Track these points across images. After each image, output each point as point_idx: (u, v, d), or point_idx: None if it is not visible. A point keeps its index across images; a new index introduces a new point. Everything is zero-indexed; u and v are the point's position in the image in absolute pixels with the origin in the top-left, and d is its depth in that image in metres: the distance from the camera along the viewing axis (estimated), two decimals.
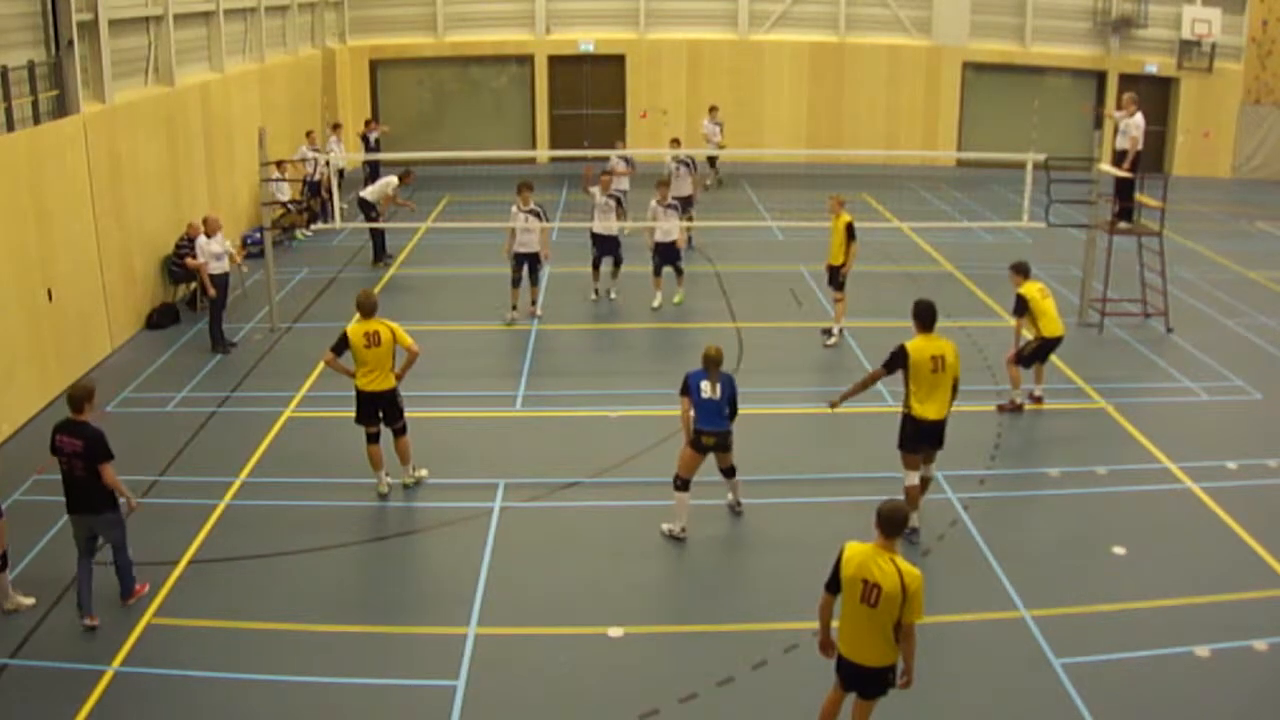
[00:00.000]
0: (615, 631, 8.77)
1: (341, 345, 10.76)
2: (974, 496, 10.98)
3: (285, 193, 19.90)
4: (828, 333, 15.62)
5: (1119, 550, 10.04)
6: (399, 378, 10.94)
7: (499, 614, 8.99)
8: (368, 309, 10.87)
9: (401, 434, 11.08)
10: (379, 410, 10.91)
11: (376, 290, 17.89)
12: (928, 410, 9.74)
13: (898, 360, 9.72)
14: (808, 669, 8.34)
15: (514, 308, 16.34)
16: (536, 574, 9.65)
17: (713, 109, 26.01)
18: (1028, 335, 13.28)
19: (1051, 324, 13.02)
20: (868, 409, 13.18)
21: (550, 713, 7.90)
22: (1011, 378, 13.17)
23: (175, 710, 7.86)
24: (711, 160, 25.95)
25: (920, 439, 9.89)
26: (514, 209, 16.05)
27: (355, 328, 10.79)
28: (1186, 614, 9.01)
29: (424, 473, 11.35)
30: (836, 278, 15.36)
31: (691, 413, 9.96)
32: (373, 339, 10.68)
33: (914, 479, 9.97)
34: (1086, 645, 8.54)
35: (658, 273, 16.83)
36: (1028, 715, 7.87)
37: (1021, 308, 13.06)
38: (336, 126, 24.16)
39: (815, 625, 8.71)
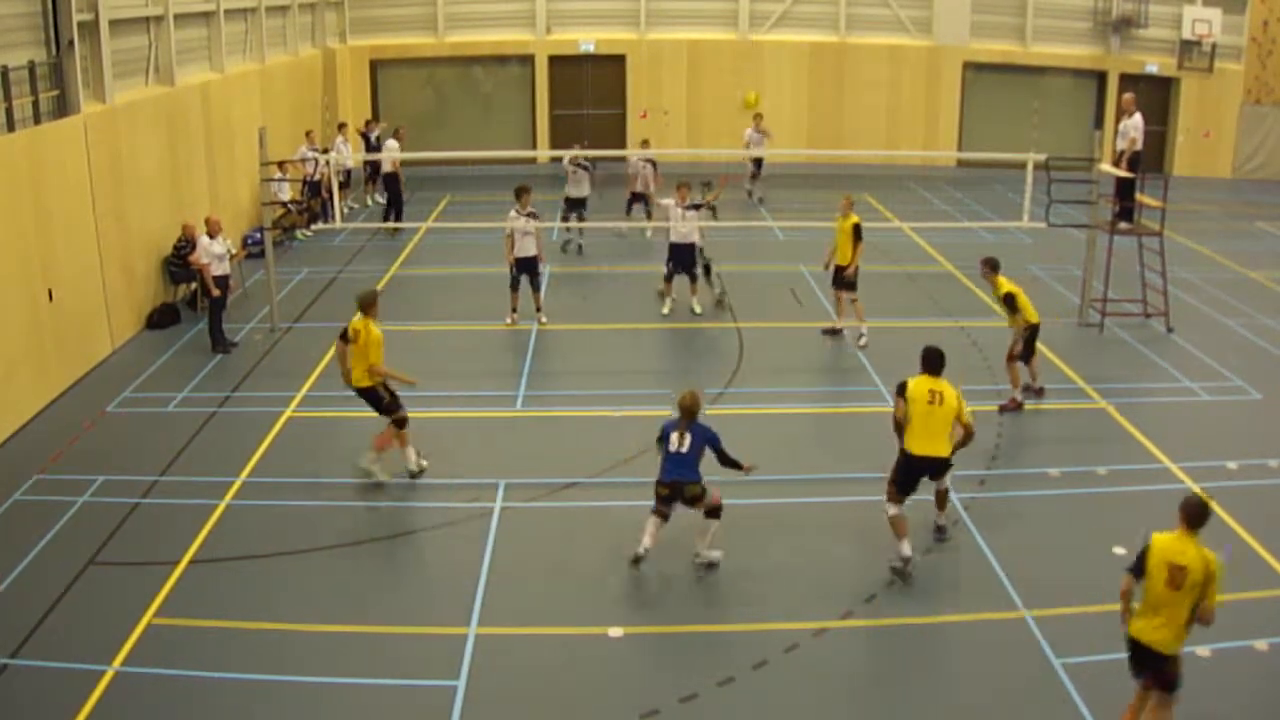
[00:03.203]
0: (615, 631, 8.78)
1: (344, 334, 11.10)
2: (974, 496, 10.98)
3: (286, 193, 19.92)
4: (831, 332, 15.62)
5: (1119, 550, 10.01)
6: (374, 375, 11.03)
7: (499, 614, 8.99)
8: (360, 304, 11.13)
9: (401, 426, 11.23)
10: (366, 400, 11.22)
11: (378, 288, 18.02)
12: (919, 446, 9.55)
13: (900, 389, 9.70)
14: (808, 669, 8.36)
15: (514, 309, 16.33)
16: (536, 574, 9.65)
17: (757, 117, 24.92)
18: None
19: (1033, 311, 13.08)
20: (868, 409, 13.20)
21: (550, 713, 7.90)
22: (1011, 377, 13.21)
23: (175, 710, 7.87)
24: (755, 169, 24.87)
25: (910, 474, 9.63)
26: (513, 213, 16.04)
27: (352, 321, 11.13)
28: None
29: (377, 469, 11.34)
30: (843, 279, 15.31)
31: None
32: (352, 335, 10.99)
33: (894, 509, 9.66)
34: (1086, 645, 8.53)
35: (670, 278, 16.59)
36: (1028, 715, 7.87)
37: (1014, 304, 12.99)
38: (342, 126, 24.27)
39: (816, 625, 8.76)
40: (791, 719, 7.81)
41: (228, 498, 10.93)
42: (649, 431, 12.36)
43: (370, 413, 13.03)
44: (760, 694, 8.04)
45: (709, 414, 12.96)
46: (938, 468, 9.72)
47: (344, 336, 11.09)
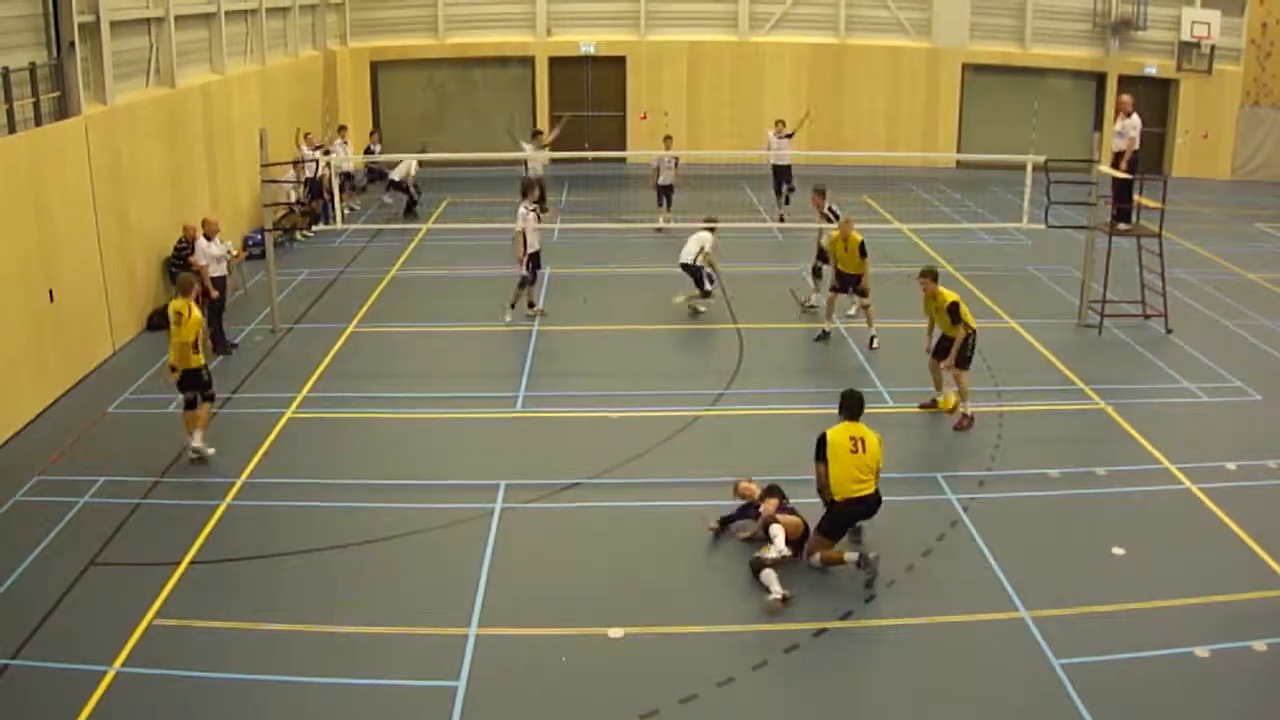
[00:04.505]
0: (615, 631, 8.78)
1: (162, 320, 11.72)
2: (974, 497, 10.99)
3: (293, 194, 19.95)
4: (823, 336, 15.62)
5: (1119, 550, 10.04)
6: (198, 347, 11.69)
7: (499, 614, 9.00)
8: (182, 288, 11.77)
9: (192, 406, 11.75)
10: (186, 384, 11.71)
11: (379, 289, 18.10)
12: (845, 491, 9.41)
13: (820, 447, 9.64)
14: (808, 669, 8.37)
15: (532, 305, 16.56)
16: (536, 574, 9.66)
17: (779, 123, 23.57)
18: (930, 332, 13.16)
19: (972, 318, 12.77)
20: (868, 409, 13.19)
21: (550, 713, 7.91)
22: (962, 386, 12.80)
23: (175, 710, 7.87)
24: (778, 183, 23.26)
25: (849, 520, 9.59)
26: (524, 209, 16.24)
27: (170, 304, 11.75)
28: (1186, 614, 9.01)
29: (211, 450, 11.77)
30: (856, 287, 15.23)
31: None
32: (177, 316, 11.51)
33: (818, 556, 9.58)
34: (1086, 645, 8.55)
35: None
36: (1028, 715, 7.87)
37: (958, 314, 12.59)
38: (342, 129, 24.41)
39: (816, 625, 8.77)
40: (791, 719, 7.82)
41: (228, 498, 10.93)
42: (649, 431, 12.46)
43: (369, 413, 13.10)
44: (760, 694, 8.05)
45: (710, 414, 13.02)
46: (871, 507, 9.56)
47: (175, 319, 11.49)
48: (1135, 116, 16.62)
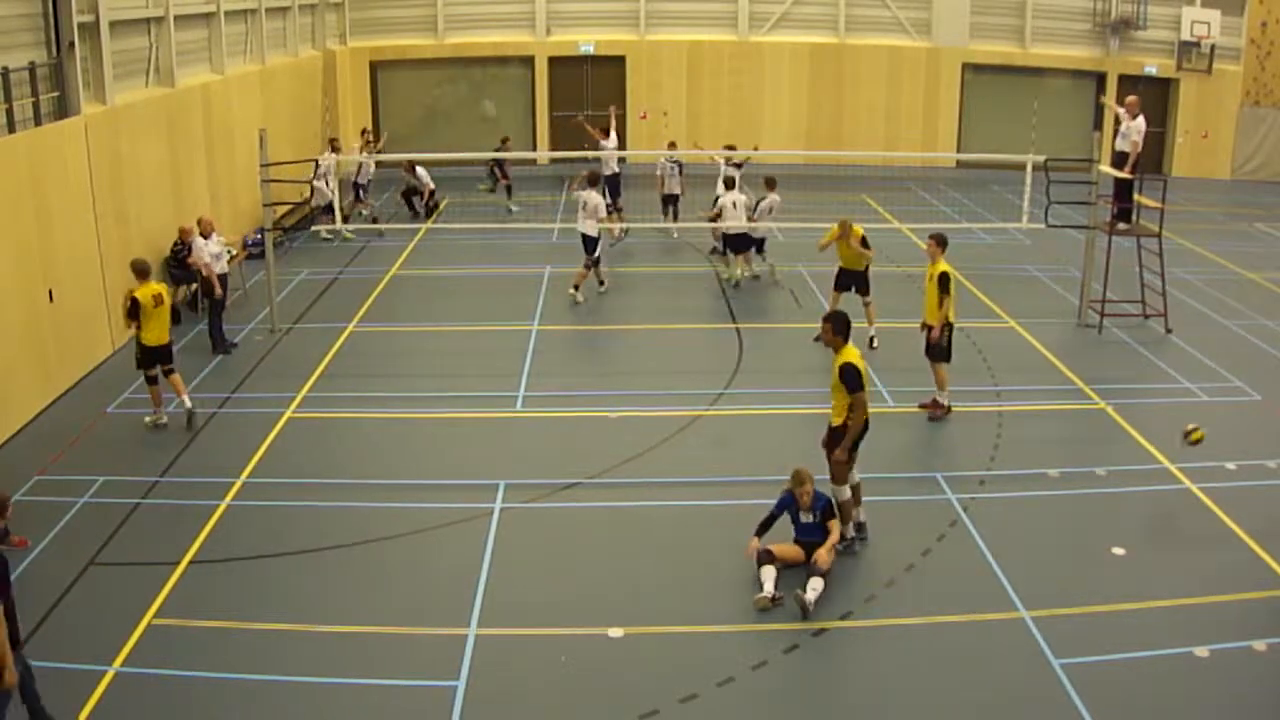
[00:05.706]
0: (615, 631, 8.77)
1: (135, 309, 12.15)
2: (974, 497, 10.99)
3: (332, 183, 20.16)
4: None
5: (1119, 550, 10.04)
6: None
7: (499, 614, 8.99)
8: (146, 272, 12.44)
9: (173, 372, 12.66)
10: (160, 359, 12.50)
11: (379, 289, 18.11)
12: (867, 410, 9.80)
13: (859, 377, 9.62)
14: (808, 669, 8.37)
15: (580, 286, 17.30)
16: (537, 574, 9.66)
17: (728, 148, 21.14)
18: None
19: (953, 308, 12.76)
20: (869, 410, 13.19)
21: (550, 713, 7.91)
22: (939, 378, 12.79)
23: (175, 710, 7.87)
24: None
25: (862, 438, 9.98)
26: (596, 193, 17.22)
27: (143, 291, 12.23)
28: (1186, 614, 9.01)
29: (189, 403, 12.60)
30: (863, 282, 15.19)
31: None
32: (158, 299, 12.37)
33: (846, 493, 9.84)
34: (1086, 645, 8.54)
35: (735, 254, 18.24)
36: (1028, 715, 7.87)
37: (947, 285, 12.52)
38: (364, 132, 24.67)
39: (816, 625, 8.77)
40: (791, 719, 7.81)
41: (228, 498, 10.93)
42: (649, 431, 12.46)
43: (369, 412, 13.10)
44: (760, 694, 8.05)
45: (709, 414, 13.02)
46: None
47: (132, 313, 12.16)
48: (1140, 119, 16.53)
